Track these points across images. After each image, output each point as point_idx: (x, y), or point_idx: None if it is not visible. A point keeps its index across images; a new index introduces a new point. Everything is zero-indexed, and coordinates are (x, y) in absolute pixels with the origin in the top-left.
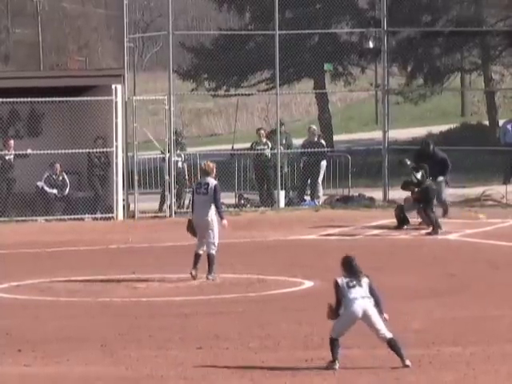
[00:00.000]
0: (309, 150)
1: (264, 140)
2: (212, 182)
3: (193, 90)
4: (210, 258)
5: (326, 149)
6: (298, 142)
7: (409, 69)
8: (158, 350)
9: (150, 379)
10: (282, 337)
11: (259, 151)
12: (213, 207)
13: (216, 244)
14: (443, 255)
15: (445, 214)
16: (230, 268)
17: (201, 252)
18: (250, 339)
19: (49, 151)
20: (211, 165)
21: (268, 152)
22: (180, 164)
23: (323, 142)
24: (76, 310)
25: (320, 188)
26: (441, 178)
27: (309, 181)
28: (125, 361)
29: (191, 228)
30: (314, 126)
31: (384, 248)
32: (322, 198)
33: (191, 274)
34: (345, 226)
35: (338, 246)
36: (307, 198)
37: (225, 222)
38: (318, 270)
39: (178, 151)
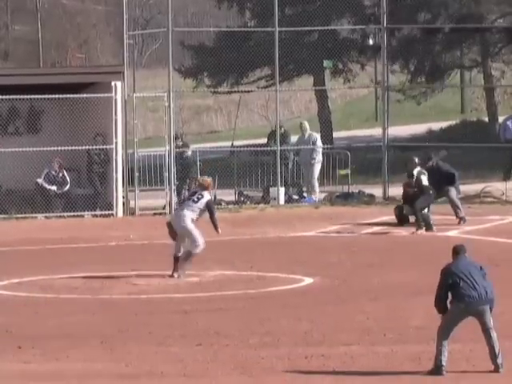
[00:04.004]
0: (303, 147)
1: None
2: (207, 196)
3: (194, 88)
4: (186, 253)
5: (320, 146)
6: (294, 138)
7: (410, 67)
8: (157, 347)
9: (150, 376)
10: (282, 333)
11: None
12: (193, 215)
13: (199, 244)
14: (443, 252)
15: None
16: (230, 265)
17: (179, 255)
18: (250, 336)
19: (48, 148)
20: (208, 180)
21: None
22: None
23: (318, 138)
24: (76, 307)
25: (315, 184)
26: (448, 187)
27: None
28: (125, 357)
29: (172, 231)
30: (305, 123)
31: (384, 245)
32: (318, 194)
33: (172, 276)
34: (344, 222)
35: (338, 243)
36: (304, 194)
37: (219, 231)
38: (317, 266)
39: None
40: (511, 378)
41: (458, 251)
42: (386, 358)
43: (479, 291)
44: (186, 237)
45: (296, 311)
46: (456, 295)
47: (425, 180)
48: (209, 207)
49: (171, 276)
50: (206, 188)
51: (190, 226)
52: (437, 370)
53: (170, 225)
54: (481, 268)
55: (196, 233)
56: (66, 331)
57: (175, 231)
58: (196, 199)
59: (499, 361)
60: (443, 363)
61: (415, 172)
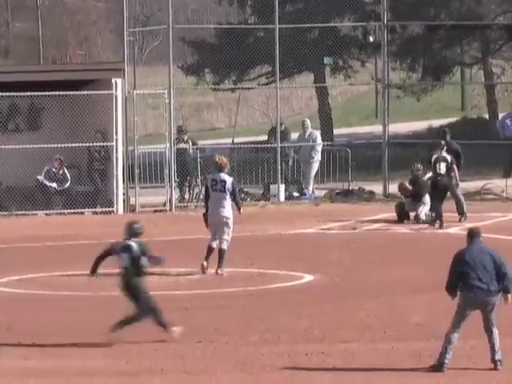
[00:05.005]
0: (303, 143)
1: (185, 137)
2: (228, 179)
3: (194, 85)
4: (221, 252)
5: (320, 143)
6: (295, 135)
7: (410, 64)
8: (158, 344)
9: (150, 372)
10: (282, 330)
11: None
12: (229, 204)
13: (229, 240)
14: (444, 249)
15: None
16: (230, 262)
17: (214, 246)
18: (250, 333)
19: (48, 145)
20: (225, 160)
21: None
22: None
23: (318, 136)
24: (76, 304)
25: (311, 182)
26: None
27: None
28: (125, 354)
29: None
30: (307, 121)
31: (384, 242)
32: (311, 191)
33: (202, 265)
34: (345, 219)
35: (338, 240)
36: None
37: (241, 210)
38: (317, 263)
39: (186, 138)
40: (511, 376)
41: (472, 235)
42: (386, 355)
43: (488, 282)
44: (221, 227)
45: (296, 308)
46: (465, 284)
47: (442, 168)
48: (233, 188)
49: (202, 265)
50: (222, 168)
51: (230, 217)
52: (439, 366)
53: (205, 216)
54: (494, 256)
55: (232, 228)
56: (66, 328)
57: (212, 224)
58: (222, 188)
59: (497, 357)
60: (446, 361)
61: (433, 158)
